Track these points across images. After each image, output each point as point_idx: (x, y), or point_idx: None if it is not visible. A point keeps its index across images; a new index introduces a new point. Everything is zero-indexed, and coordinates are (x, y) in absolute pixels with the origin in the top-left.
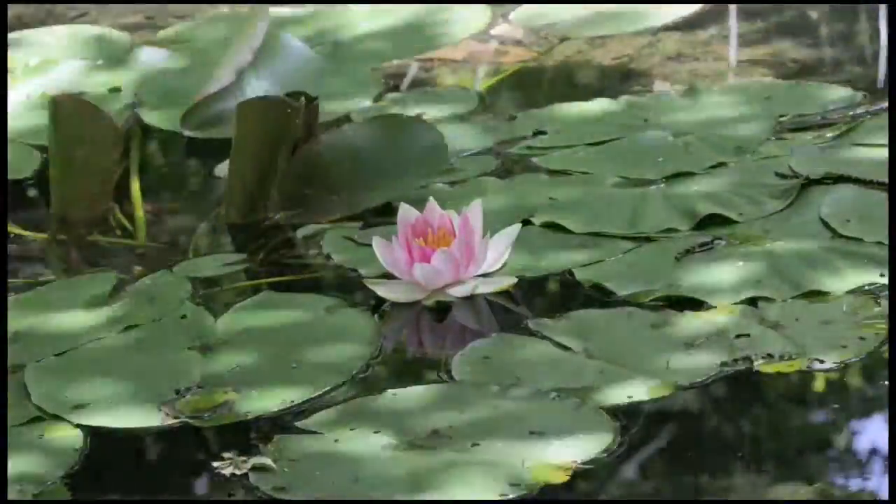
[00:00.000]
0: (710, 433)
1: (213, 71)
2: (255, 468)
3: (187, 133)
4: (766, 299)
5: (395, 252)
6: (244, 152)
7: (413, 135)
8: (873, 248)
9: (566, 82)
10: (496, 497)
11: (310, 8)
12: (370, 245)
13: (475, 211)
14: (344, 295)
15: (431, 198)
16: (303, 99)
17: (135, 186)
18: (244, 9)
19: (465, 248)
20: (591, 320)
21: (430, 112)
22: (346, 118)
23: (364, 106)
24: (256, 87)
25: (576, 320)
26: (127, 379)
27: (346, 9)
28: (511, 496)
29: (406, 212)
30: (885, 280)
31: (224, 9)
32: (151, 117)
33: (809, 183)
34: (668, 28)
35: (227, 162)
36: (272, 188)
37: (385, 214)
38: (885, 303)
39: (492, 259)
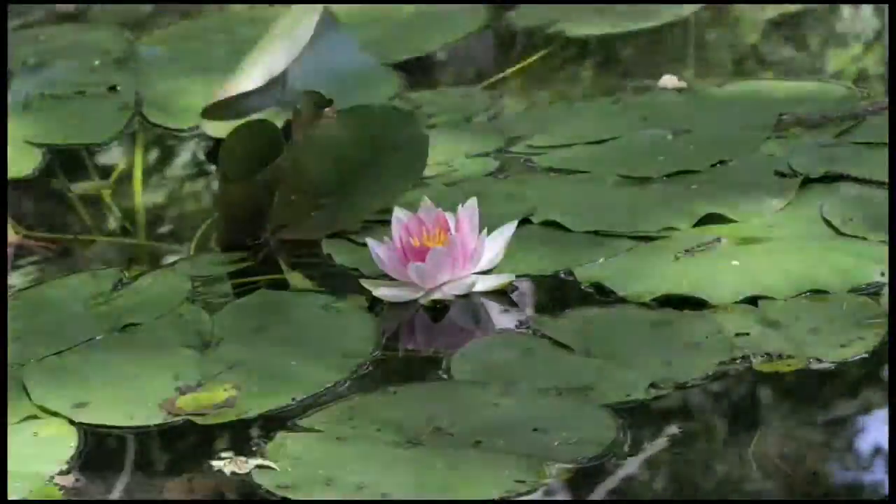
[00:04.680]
0: (710, 432)
1: (243, 66)
2: (256, 467)
3: (209, 133)
4: (767, 298)
5: (390, 252)
6: (233, 181)
7: (389, 127)
8: (875, 247)
9: None
10: (499, 495)
11: None
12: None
13: (471, 209)
14: (342, 294)
15: (426, 196)
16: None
17: (136, 185)
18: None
19: (460, 246)
20: (590, 319)
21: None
22: None
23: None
24: (291, 86)
25: (575, 319)
26: (127, 377)
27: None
28: (514, 494)
29: (400, 212)
30: (886, 279)
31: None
32: (152, 116)
33: (809, 181)
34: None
35: None
36: (265, 218)
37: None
38: (885, 302)
39: (489, 257)
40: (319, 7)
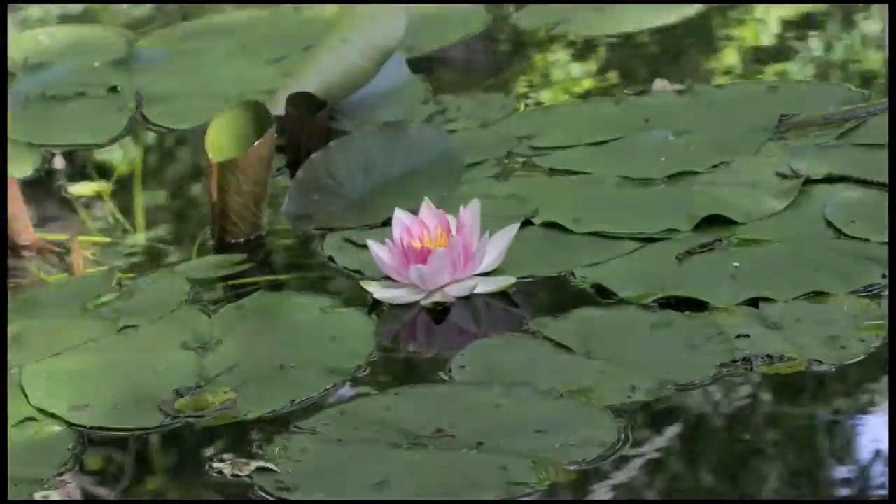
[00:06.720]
0: (710, 434)
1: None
2: (257, 469)
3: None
4: (767, 300)
5: (391, 254)
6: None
7: (424, 142)
8: (877, 249)
9: None
10: (501, 496)
11: None
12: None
13: (473, 210)
14: (342, 295)
15: (427, 198)
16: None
17: (136, 185)
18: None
19: (462, 248)
20: (591, 321)
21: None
22: None
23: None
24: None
25: (576, 321)
26: (125, 379)
27: None
28: (516, 496)
29: (401, 213)
30: (886, 281)
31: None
32: (152, 116)
33: (810, 183)
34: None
35: None
36: (261, 204)
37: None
38: (885, 303)
39: (490, 259)
40: (410, 8)
